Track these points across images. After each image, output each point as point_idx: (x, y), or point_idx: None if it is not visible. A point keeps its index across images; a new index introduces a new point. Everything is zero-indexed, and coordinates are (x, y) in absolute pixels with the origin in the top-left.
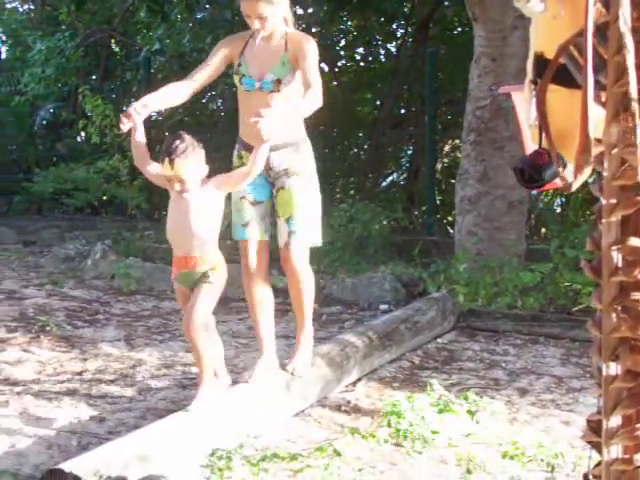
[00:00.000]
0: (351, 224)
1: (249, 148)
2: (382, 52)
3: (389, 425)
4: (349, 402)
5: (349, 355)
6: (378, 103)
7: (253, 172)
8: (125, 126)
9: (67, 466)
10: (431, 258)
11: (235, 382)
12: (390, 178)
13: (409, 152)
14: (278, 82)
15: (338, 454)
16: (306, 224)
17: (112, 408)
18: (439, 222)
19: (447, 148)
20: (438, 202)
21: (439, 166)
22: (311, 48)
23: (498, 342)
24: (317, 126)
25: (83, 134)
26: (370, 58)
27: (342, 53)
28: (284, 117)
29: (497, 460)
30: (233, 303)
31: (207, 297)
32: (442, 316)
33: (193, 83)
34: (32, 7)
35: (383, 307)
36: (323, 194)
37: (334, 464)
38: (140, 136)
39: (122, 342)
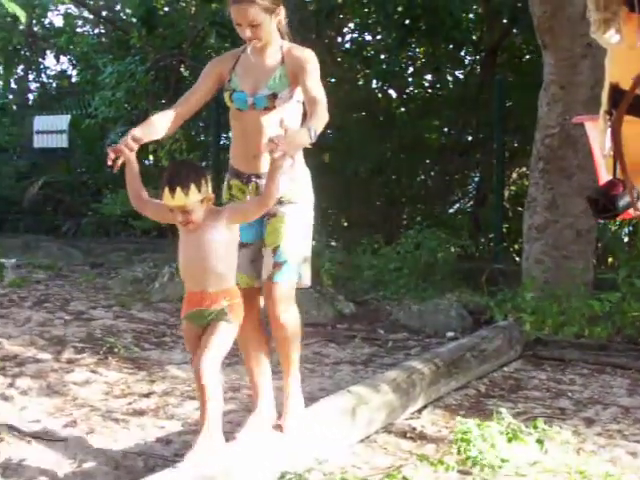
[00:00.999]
0: (418, 251)
1: (240, 176)
2: (450, 79)
3: (459, 452)
4: (415, 429)
5: (415, 382)
6: (445, 130)
7: (269, 200)
8: (116, 161)
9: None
10: (498, 286)
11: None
12: (457, 205)
13: (476, 179)
14: (273, 97)
15: None
16: (296, 258)
17: (179, 430)
18: (506, 250)
19: (514, 176)
20: (505, 230)
21: (506, 194)
22: (312, 61)
23: (564, 371)
24: (384, 153)
25: (152, 158)
26: (438, 85)
27: (410, 80)
28: (297, 134)
29: None
30: None
31: (224, 338)
32: (508, 344)
33: (178, 111)
34: (103, 31)
35: (449, 334)
36: (390, 220)
37: None
38: (134, 174)
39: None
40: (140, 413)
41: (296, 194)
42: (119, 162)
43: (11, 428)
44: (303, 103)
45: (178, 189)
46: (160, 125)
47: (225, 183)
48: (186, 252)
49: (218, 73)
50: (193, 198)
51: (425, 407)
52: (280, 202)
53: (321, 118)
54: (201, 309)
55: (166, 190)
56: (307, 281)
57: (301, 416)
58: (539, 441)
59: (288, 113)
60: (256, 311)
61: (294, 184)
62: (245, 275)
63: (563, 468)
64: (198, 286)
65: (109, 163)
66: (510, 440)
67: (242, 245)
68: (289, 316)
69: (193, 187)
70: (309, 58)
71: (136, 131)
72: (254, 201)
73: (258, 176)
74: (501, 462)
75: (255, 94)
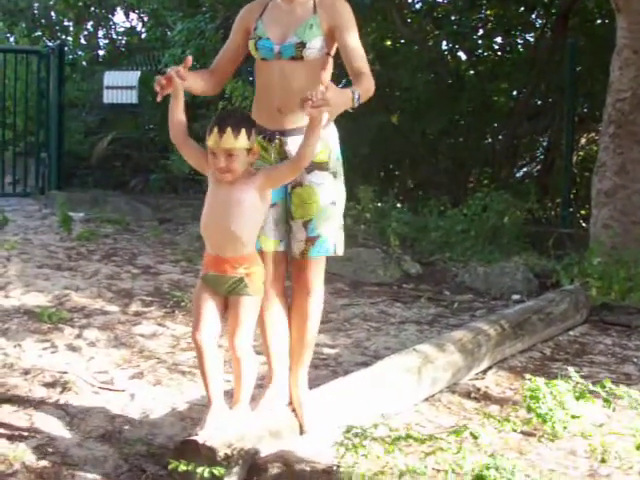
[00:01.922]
0: (485, 213)
1: (263, 132)
2: (520, 42)
3: (528, 410)
4: (479, 389)
5: (481, 343)
6: (514, 93)
7: (303, 163)
8: (163, 91)
9: (201, 437)
10: (565, 250)
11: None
12: (524, 169)
13: (544, 144)
14: (301, 46)
15: (475, 437)
16: (329, 230)
17: None
18: (572, 215)
19: (583, 141)
20: (572, 195)
21: (574, 159)
22: (349, 15)
23: (630, 337)
24: (452, 115)
25: None
26: (508, 48)
27: (480, 42)
28: (340, 94)
29: (631, 451)
30: (365, 287)
31: (249, 313)
32: (575, 309)
33: (213, 72)
34: None
35: (515, 297)
36: (457, 183)
37: (465, 448)
38: (180, 105)
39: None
40: None
41: (324, 156)
42: (166, 92)
43: (79, 378)
44: (334, 57)
45: (229, 130)
46: (200, 81)
47: None
48: (210, 209)
49: (245, 25)
50: (242, 143)
51: (489, 368)
52: (307, 168)
53: (367, 90)
54: (219, 275)
55: (215, 130)
56: (340, 251)
57: (313, 406)
58: (607, 401)
59: (317, 67)
60: (281, 278)
61: (321, 144)
62: (267, 238)
63: (629, 431)
64: (214, 249)
65: (156, 89)
66: (578, 399)
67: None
68: (317, 297)
69: (244, 132)
70: (346, 12)
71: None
72: (287, 164)
73: (282, 133)
74: (572, 419)
75: (282, 42)
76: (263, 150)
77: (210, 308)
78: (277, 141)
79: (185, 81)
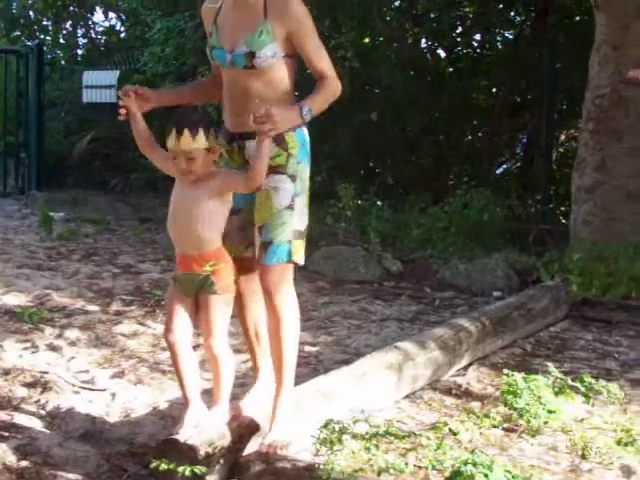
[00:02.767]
0: (466, 210)
1: (227, 135)
2: (499, 39)
3: (505, 404)
4: (460, 386)
5: (462, 339)
6: (494, 90)
7: (254, 181)
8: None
9: (182, 436)
10: (545, 247)
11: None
12: (504, 166)
13: (524, 140)
14: (251, 55)
15: (454, 434)
16: (283, 236)
17: None
18: (552, 211)
19: (562, 138)
20: (552, 192)
21: (554, 155)
22: (305, 19)
23: (611, 333)
24: (432, 113)
25: None
26: (487, 45)
27: (459, 39)
28: (282, 114)
29: (612, 447)
30: (346, 285)
31: (219, 312)
32: (555, 305)
33: (214, 80)
34: None
35: (496, 294)
36: (437, 180)
37: (446, 444)
38: (136, 119)
39: (236, 319)
40: None
41: (282, 162)
42: (125, 111)
43: (59, 378)
44: (295, 57)
45: (186, 132)
46: (203, 89)
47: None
48: (174, 209)
49: (206, 28)
50: (200, 143)
51: (471, 365)
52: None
53: (325, 97)
54: (188, 273)
55: (173, 132)
56: (299, 259)
57: (289, 439)
58: (586, 395)
59: (274, 73)
60: (253, 283)
61: (283, 147)
62: (232, 245)
63: (609, 426)
64: (181, 248)
65: (121, 112)
66: (557, 394)
67: (230, 212)
68: (282, 304)
69: (202, 133)
70: (300, 15)
71: (145, 89)
72: (242, 176)
73: (241, 136)
74: (548, 413)
75: (233, 51)
76: (226, 152)
77: (181, 308)
78: (235, 144)
79: (129, 97)
